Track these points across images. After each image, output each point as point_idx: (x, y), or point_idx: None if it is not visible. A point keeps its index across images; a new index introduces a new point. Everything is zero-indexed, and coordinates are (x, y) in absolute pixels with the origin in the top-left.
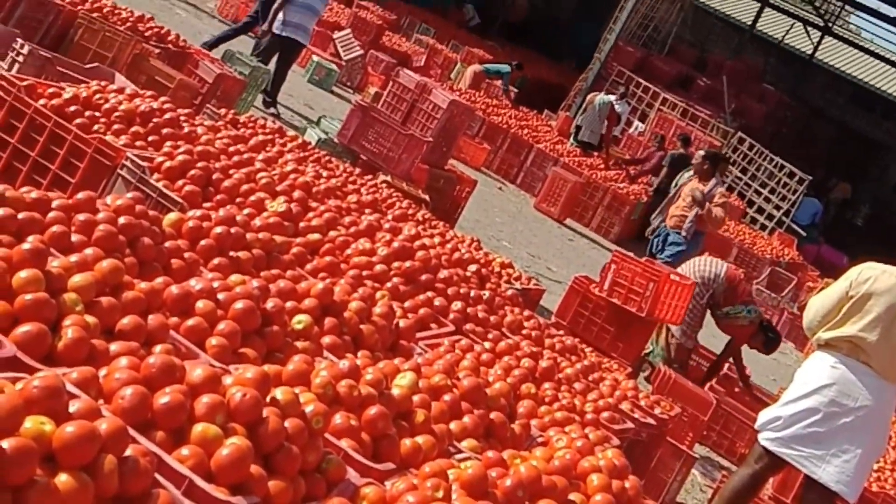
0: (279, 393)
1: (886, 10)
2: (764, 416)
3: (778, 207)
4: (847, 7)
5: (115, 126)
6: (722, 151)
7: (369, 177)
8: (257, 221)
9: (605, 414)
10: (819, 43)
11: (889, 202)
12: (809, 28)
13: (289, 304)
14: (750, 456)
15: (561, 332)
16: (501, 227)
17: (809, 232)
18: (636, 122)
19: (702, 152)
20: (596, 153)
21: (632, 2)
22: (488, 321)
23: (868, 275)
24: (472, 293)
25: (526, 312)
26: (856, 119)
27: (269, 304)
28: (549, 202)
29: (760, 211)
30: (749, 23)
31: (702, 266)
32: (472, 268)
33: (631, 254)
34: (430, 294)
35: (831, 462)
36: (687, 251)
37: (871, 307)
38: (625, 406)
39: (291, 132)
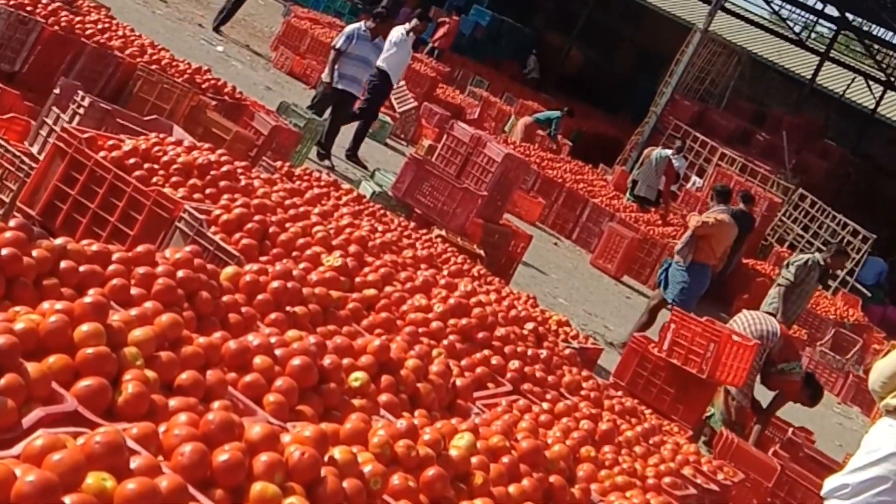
0: (337, 452)
1: None
2: (831, 483)
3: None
4: None
5: (174, 178)
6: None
7: (424, 231)
8: (314, 276)
9: (667, 479)
10: (881, 97)
11: None
12: (871, 82)
13: (345, 361)
14: None
15: (620, 394)
16: (557, 283)
17: (875, 292)
18: (694, 177)
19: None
20: (653, 209)
21: (688, 55)
22: (546, 381)
23: None
24: (530, 352)
25: (584, 372)
26: None
27: (327, 361)
28: (606, 258)
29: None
30: (809, 77)
31: (756, 323)
32: (529, 326)
33: (691, 313)
34: (486, 352)
35: None
36: (690, 286)
37: None
38: (687, 471)
39: (346, 185)
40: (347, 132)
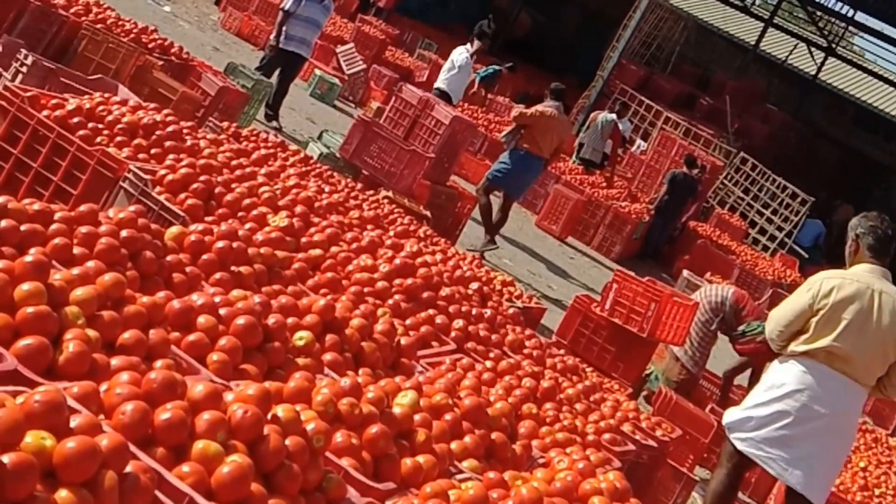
0: (280, 410)
1: (890, 31)
2: (732, 415)
3: (780, 229)
4: (851, 28)
5: (118, 138)
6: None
7: (371, 192)
8: (259, 236)
9: (607, 435)
10: (822, 64)
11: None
12: (813, 49)
13: (290, 321)
14: (722, 456)
15: (562, 352)
16: (502, 244)
17: (812, 254)
18: (639, 141)
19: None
20: (598, 171)
21: (636, 20)
22: (489, 340)
23: (830, 285)
24: (474, 311)
25: (527, 331)
26: (859, 141)
27: (271, 320)
28: (551, 220)
29: (763, 232)
30: (752, 42)
31: (709, 293)
32: (474, 286)
33: (632, 273)
34: (431, 312)
35: (798, 466)
36: (511, 169)
37: (842, 317)
38: (626, 427)
39: (293, 146)
40: (297, 94)
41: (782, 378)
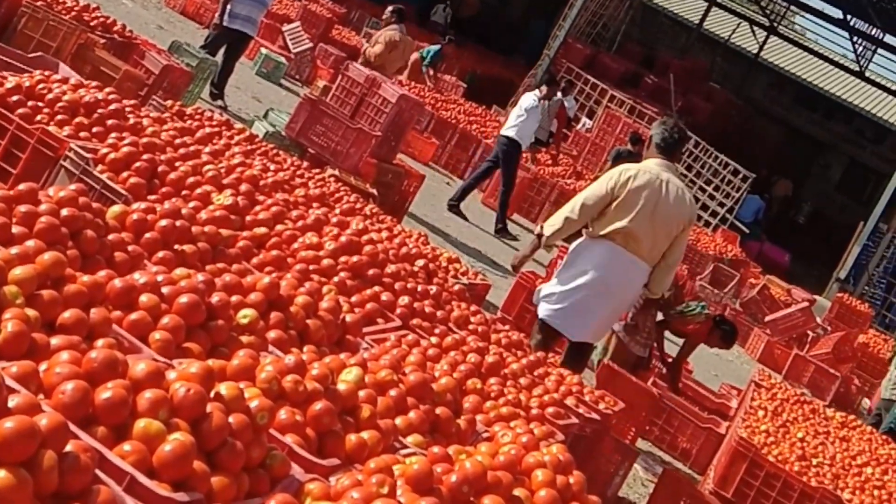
0: (223, 388)
1: (830, 10)
2: (541, 292)
3: (722, 205)
4: (792, 7)
5: (59, 116)
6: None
7: (317, 171)
8: (203, 215)
9: (551, 409)
10: (764, 43)
11: (830, 200)
12: (755, 28)
13: (234, 299)
14: (534, 329)
15: (507, 328)
16: (449, 221)
17: (752, 229)
18: (584, 119)
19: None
20: (544, 149)
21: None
22: (435, 316)
23: (628, 175)
24: (420, 288)
25: (472, 308)
26: (799, 118)
27: (215, 299)
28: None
29: (704, 208)
30: (696, 21)
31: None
32: (420, 263)
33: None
34: (377, 289)
35: (584, 325)
36: None
37: (636, 202)
38: (570, 401)
39: (239, 125)
40: (243, 73)
41: (583, 257)
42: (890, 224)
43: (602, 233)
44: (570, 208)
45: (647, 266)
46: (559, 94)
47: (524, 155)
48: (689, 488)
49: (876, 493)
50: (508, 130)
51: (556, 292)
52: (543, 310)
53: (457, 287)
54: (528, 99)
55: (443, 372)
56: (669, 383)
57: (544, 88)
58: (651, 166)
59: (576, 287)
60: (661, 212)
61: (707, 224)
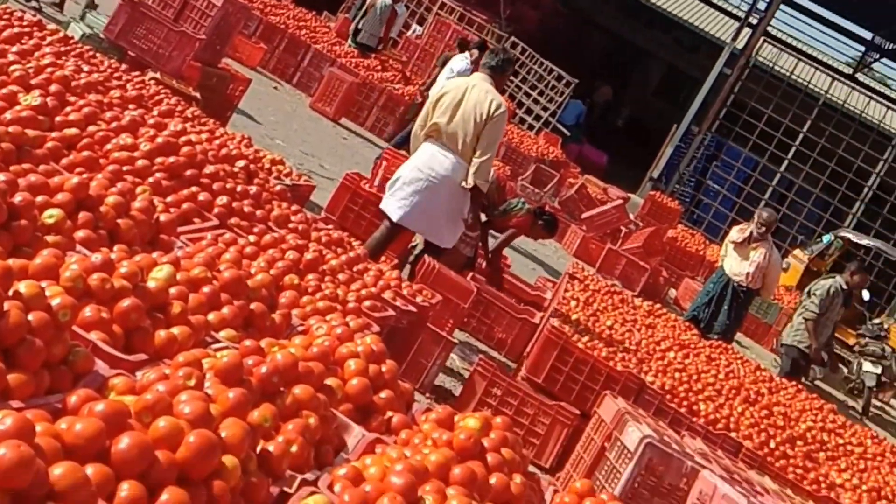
0: (23, 286)
1: None
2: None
3: (545, 109)
4: None
5: None
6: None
7: (137, 73)
8: (8, 115)
9: (367, 303)
10: None
11: (648, 105)
12: None
13: (40, 199)
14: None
15: (330, 227)
16: (276, 125)
17: (573, 132)
18: (414, 26)
19: None
20: (373, 55)
21: None
22: (254, 216)
23: (445, 89)
24: (239, 188)
25: (294, 207)
26: (623, 27)
27: (17, 198)
28: (325, 102)
29: (529, 112)
30: None
31: None
32: (241, 163)
33: (403, 151)
34: (194, 189)
35: (408, 209)
36: None
37: (444, 102)
38: (387, 295)
39: (52, 26)
40: None
41: (416, 156)
42: (701, 126)
43: (426, 133)
44: (414, 131)
45: (463, 160)
46: (389, 1)
47: (351, 50)
48: (502, 375)
49: (677, 375)
50: None
51: (394, 182)
52: (384, 200)
53: (279, 188)
54: (460, 61)
55: (259, 269)
56: (492, 281)
57: (475, 52)
58: (470, 77)
59: (408, 180)
60: (465, 109)
61: (531, 127)
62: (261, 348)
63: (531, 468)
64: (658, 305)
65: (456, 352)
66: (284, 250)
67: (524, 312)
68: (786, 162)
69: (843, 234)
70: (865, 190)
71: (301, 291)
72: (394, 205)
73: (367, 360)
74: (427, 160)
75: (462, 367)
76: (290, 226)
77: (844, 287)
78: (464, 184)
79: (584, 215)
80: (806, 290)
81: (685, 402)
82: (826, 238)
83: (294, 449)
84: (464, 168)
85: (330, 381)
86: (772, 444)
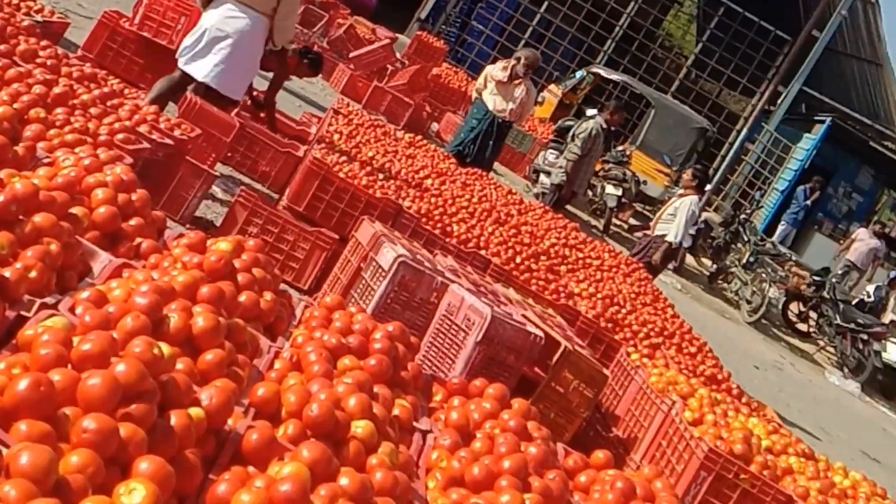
0: None
1: None
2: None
3: None
4: None
5: None
6: None
7: None
8: None
9: (121, 136)
10: None
11: None
12: None
13: None
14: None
15: (83, 63)
16: None
17: None
18: None
19: None
20: None
21: None
22: None
23: None
24: None
25: (44, 43)
26: None
27: None
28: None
29: None
30: None
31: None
32: None
33: None
34: None
35: (207, 64)
36: None
37: None
38: (143, 128)
39: None
40: None
41: (206, 17)
42: None
43: None
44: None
45: (263, 16)
46: None
47: None
48: (263, 205)
49: (433, 200)
50: None
51: (188, 45)
52: (180, 60)
53: (27, 23)
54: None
55: (2, 101)
56: (267, 123)
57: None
58: None
59: (196, 38)
60: None
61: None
62: (0, 180)
63: (287, 288)
64: (420, 137)
65: (219, 185)
66: (31, 84)
67: (288, 146)
68: (546, 3)
69: (594, 69)
70: (616, 29)
71: (48, 125)
72: (200, 68)
73: (116, 190)
74: (225, 19)
75: (224, 199)
76: (38, 60)
77: (604, 126)
78: (271, 46)
79: (352, 55)
80: (570, 133)
81: (440, 225)
82: (579, 74)
83: (33, 274)
84: (264, 23)
85: (76, 210)
86: (517, 260)
